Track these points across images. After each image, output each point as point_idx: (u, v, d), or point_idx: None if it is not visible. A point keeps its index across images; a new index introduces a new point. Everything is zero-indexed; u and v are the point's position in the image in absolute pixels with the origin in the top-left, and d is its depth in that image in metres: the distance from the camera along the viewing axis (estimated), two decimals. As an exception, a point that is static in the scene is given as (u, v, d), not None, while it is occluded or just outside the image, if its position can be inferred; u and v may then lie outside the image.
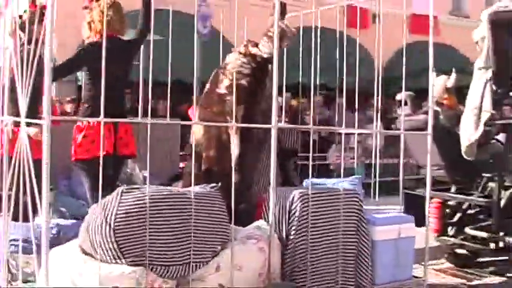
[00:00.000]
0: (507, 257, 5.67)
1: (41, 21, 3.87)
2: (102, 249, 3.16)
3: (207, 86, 4.68)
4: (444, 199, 5.65)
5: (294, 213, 3.66)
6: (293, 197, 3.68)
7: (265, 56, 4.44)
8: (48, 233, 2.97)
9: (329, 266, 3.76)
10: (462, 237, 5.60)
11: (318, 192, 3.74)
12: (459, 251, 5.85)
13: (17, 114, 3.89)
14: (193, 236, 3.29)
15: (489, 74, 4.68)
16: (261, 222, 3.71)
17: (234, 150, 4.27)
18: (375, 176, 4.22)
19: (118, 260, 3.15)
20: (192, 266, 3.30)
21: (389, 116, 10.93)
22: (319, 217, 3.72)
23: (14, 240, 3.80)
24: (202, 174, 4.38)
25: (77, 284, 3.14)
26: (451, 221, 5.69)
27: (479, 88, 4.72)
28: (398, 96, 5.89)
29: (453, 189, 5.75)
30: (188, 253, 3.29)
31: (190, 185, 3.93)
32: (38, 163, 3.57)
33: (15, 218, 3.83)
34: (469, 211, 5.67)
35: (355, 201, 3.87)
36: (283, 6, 4.72)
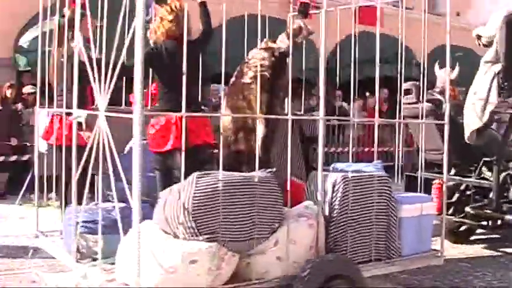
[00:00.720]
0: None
1: (81, 19, 4.26)
2: (181, 228, 3.60)
3: (233, 78, 5.22)
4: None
5: (337, 194, 4.16)
6: (335, 180, 4.18)
7: (282, 50, 4.96)
8: (139, 215, 3.38)
9: (364, 240, 4.28)
10: (461, 215, 6.20)
11: (356, 176, 4.25)
12: (456, 228, 6.47)
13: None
14: (257, 215, 3.77)
15: (497, 67, 5.26)
16: (308, 202, 4.20)
17: (259, 132, 4.85)
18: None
19: (195, 237, 3.59)
20: (256, 241, 3.78)
21: (337, 105, 11.24)
22: (357, 197, 4.23)
23: (83, 222, 4.20)
24: (232, 155, 4.92)
25: (159, 260, 3.56)
26: (450, 201, 6.27)
27: (487, 81, 5.30)
28: (405, 86, 6.38)
29: (452, 171, 6.34)
30: (252, 230, 3.76)
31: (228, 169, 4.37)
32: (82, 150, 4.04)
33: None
34: (467, 192, 6.27)
35: (386, 183, 4.40)
36: (306, 6, 5.22)
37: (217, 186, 3.64)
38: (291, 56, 4.14)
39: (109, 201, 4.85)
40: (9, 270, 5.36)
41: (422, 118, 4.86)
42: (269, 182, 3.88)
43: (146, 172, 4.47)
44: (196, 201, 3.60)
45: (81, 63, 4.10)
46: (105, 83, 3.71)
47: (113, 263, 3.96)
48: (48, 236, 4.92)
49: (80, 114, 4.05)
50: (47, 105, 4.80)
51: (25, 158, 9.40)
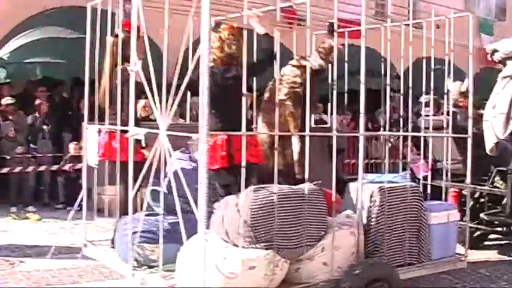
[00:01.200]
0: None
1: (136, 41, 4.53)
2: (240, 237, 3.93)
3: (266, 94, 5.56)
4: (460, 188, 6.60)
5: (374, 204, 4.53)
6: (373, 191, 4.54)
7: (315, 68, 5.32)
8: (203, 226, 3.72)
9: (399, 245, 4.64)
10: (475, 222, 6.58)
11: (391, 187, 4.62)
12: (470, 234, 6.83)
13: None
14: (306, 224, 4.12)
15: None
16: (348, 212, 4.56)
17: (295, 146, 5.20)
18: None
19: (253, 245, 3.93)
20: (305, 248, 4.13)
21: (316, 117, 11.46)
22: (393, 206, 4.59)
23: (141, 231, 4.51)
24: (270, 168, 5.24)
25: (220, 266, 3.88)
26: (465, 208, 6.64)
27: (508, 95, 5.69)
28: (421, 99, 6.74)
29: (468, 180, 6.71)
30: (303, 238, 4.11)
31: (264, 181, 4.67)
32: (139, 164, 4.38)
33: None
34: (480, 200, 6.66)
35: (417, 193, 4.77)
36: (333, 26, 5.55)
37: (272, 199, 3.99)
38: (334, 71, 4.47)
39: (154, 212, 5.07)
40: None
41: (448, 130, 5.24)
42: (316, 193, 4.24)
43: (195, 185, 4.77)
44: (254, 213, 3.95)
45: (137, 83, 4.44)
46: (166, 104, 4.05)
47: (170, 270, 4.30)
48: (97, 246, 5.23)
49: (138, 132, 4.38)
50: (97, 122, 5.13)
51: (4, 170, 9.40)
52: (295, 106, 5.42)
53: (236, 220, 3.97)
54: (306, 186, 4.19)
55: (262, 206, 3.97)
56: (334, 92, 4.42)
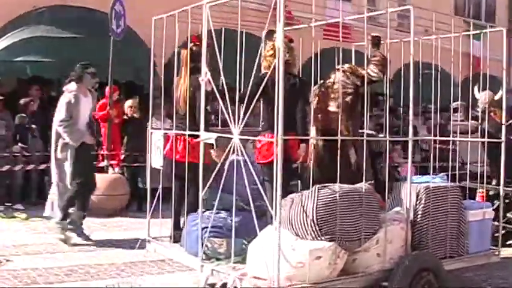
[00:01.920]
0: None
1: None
2: (306, 231, 4.41)
3: (314, 102, 5.88)
4: (487, 189, 7.08)
5: (420, 202, 5.02)
6: (419, 190, 5.03)
7: (373, 79, 5.62)
8: (278, 220, 4.19)
9: (441, 240, 5.12)
10: (502, 221, 7.05)
11: (435, 187, 5.11)
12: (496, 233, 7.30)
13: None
14: (363, 219, 4.60)
15: None
16: (398, 209, 5.04)
17: (352, 156, 5.60)
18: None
19: (319, 238, 4.42)
20: (363, 240, 4.61)
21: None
22: (436, 204, 5.08)
23: (212, 227, 4.98)
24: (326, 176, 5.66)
25: (288, 257, 4.36)
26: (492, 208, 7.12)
27: None
28: (453, 105, 7.17)
29: (494, 182, 7.20)
30: (360, 231, 4.59)
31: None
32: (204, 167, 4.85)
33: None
34: (506, 200, 7.13)
35: (457, 193, 5.26)
36: (378, 38, 5.94)
37: (334, 197, 4.48)
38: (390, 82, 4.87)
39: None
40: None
41: (483, 135, 5.72)
42: (370, 192, 4.73)
43: (250, 184, 5.24)
44: (319, 210, 4.44)
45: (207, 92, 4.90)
46: (238, 113, 4.53)
47: (236, 262, 4.77)
48: (159, 241, 5.70)
49: (210, 137, 4.86)
50: (162, 127, 5.62)
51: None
52: (348, 117, 5.69)
53: (302, 216, 4.45)
54: (363, 186, 4.68)
55: (326, 203, 4.46)
56: (387, 101, 4.88)
